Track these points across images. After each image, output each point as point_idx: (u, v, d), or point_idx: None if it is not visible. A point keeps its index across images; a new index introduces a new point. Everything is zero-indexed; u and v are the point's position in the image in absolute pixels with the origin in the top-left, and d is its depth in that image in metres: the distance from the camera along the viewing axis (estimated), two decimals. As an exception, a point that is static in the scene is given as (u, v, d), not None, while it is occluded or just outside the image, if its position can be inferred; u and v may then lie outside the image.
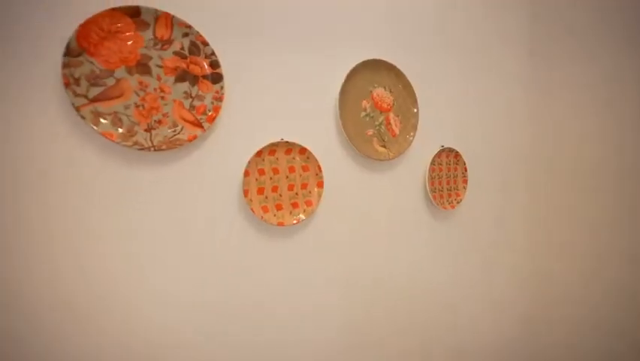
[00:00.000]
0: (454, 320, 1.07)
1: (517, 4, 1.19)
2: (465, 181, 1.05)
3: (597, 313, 1.27)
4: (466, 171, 1.05)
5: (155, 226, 0.64)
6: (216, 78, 0.67)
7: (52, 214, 0.57)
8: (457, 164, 1.04)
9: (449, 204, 1.02)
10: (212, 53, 0.66)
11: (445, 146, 0.99)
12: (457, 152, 1.02)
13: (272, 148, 0.72)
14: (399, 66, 0.88)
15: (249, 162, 0.69)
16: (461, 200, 1.03)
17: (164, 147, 0.62)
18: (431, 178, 0.97)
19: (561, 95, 1.25)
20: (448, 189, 1.02)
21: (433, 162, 0.97)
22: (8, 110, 0.55)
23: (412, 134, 0.90)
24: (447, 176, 1.02)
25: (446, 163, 1.02)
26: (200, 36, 0.65)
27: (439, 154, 0.98)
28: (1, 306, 0.55)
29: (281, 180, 0.74)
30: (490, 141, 1.13)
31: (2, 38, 0.54)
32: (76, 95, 0.56)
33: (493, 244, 1.16)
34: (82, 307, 0.60)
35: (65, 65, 0.55)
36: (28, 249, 0.56)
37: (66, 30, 0.56)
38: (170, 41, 0.64)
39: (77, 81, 0.56)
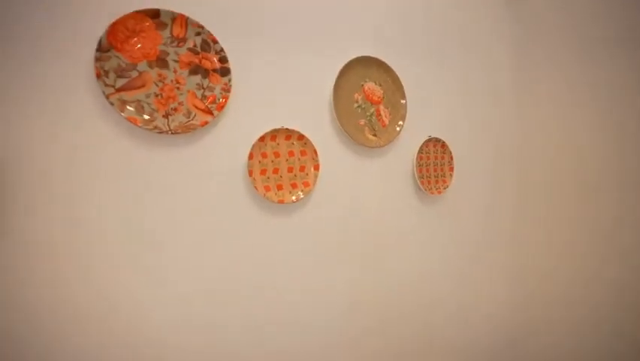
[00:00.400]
0: (444, 313, 1.15)
1: (513, 2, 1.28)
2: (451, 169, 1.14)
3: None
4: (452, 159, 1.13)
5: (168, 203, 0.74)
6: (224, 72, 0.76)
7: (82, 189, 0.67)
8: (443, 153, 1.12)
9: (436, 190, 1.11)
10: (221, 50, 0.76)
11: (432, 136, 1.08)
12: (444, 142, 1.11)
13: (273, 134, 0.82)
14: (388, 62, 0.97)
15: (253, 146, 0.79)
16: (448, 186, 1.12)
17: (179, 131, 0.72)
18: (419, 165, 1.06)
19: (549, 92, 1.34)
20: (435, 176, 1.11)
21: (420, 151, 1.06)
22: (43, 99, 0.64)
23: (400, 123, 1.00)
24: (434, 164, 1.11)
25: (433, 152, 1.11)
26: (211, 35, 0.75)
27: (426, 143, 1.07)
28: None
29: (281, 163, 0.83)
30: (477, 133, 1.22)
31: (40, 38, 0.63)
32: (105, 85, 0.66)
33: (483, 233, 1.24)
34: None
35: (97, 59, 0.65)
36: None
37: (96, 30, 0.65)
38: (184, 39, 0.73)
39: (107, 73, 0.66)
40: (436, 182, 1.11)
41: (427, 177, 1.09)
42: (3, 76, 0.61)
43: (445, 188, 1.12)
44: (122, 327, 0.70)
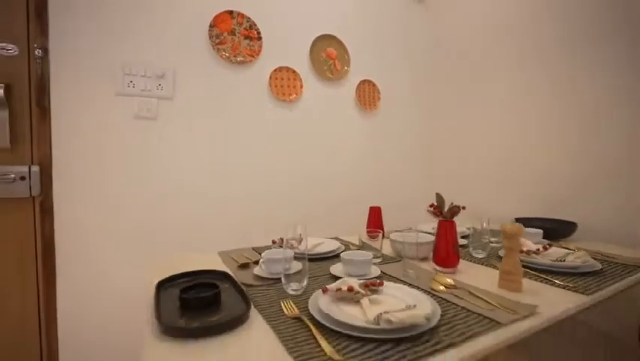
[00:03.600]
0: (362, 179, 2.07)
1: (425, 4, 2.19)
2: (379, 98, 2.05)
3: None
4: (379, 92, 2.05)
5: (235, 96, 1.65)
6: (259, 38, 1.69)
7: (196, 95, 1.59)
8: (373, 88, 2.04)
9: (369, 108, 2.02)
10: (258, 29, 1.68)
11: (366, 78, 2.00)
12: (373, 82, 2.02)
13: (280, 68, 1.74)
14: (340, 38, 1.89)
15: (271, 72, 1.71)
16: (377, 107, 2.03)
17: (240, 62, 1.64)
18: (358, 94, 1.98)
19: (453, 68, 2.23)
20: (369, 101, 2.02)
21: (358, 87, 1.97)
22: (181, 48, 1.56)
23: (346, 68, 1.92)
24: (368, 93, 2.02)
25: (368, 87, 2.02)
26: (254, 22, 1.67)
27: (362, 82, 1.99)
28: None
29: (284, 82, 1.75)
30: (395, 77, 2.13)
31: (176, 27, 1.56)
32: (213, 42, 1.58)
33: (399, 132, 2.15)
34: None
35: (209, 31, 1.57)
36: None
37: (207, 19, 1.58)
38: (242, 23, 1.66)
39: (212, 37, 1.58)
40: (370, 102, 2.02)
41: (363, 100, 2.00)
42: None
43: (375, 108, 2.03)
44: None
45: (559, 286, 0.84)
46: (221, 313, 0.66)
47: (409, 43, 2.20)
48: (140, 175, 1.46)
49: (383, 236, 1.09)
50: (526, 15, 1.70)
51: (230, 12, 1.63)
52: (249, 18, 1.67)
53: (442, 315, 0.64)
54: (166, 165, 1.51)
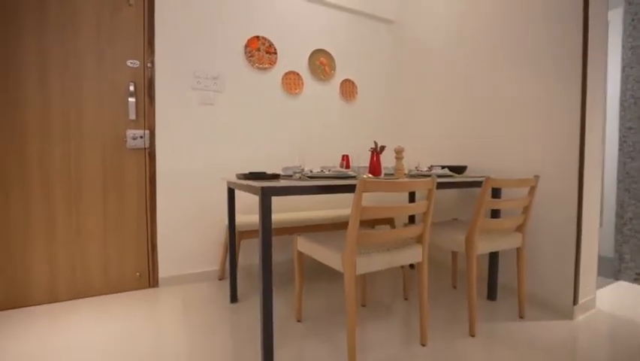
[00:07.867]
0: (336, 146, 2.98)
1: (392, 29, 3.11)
2: (357, 91, 2.96)
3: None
4: (357, 87, 2.96)
5: (259, 91, 2.57)
6: (275, 52, 2.61)
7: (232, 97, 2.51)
8: (353, 85, 2.95)
9: (350, 99, 2.93)
10: (275, 47, 2.60)
11: (347, 78, 2.91)
12: (353, 80, 2.94)
13: (289, 72, 2.66)
14: (330, 51, 2.80)
15: (282, 76, 2.63)
16: (355, 98, 2.95)
17: (262, 69, 2.56)
18: (341, 89, 2.89)
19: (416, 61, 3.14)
20: (349, 92, 2.94)
21: (342, 84, 2.89)
22: (224, 64, 2.49)
23: (333, 71, 2.83)
24: (349, 89, 2.94)
25: (348, 84, 2.93)
26: (271, 42, 2.59)
27: (344, 81, 2.90)
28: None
29: (291, 81, 2.67)
30: (368, 77, 3.04)
31: (228, 45, 2.48)
32: (247, 56, 2.51)
33: (372, 118, 3.07)
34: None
35: (244, 48, 2.50)
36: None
37: (243, 40, 2.50)
38: (265, 43, 2.58)
39: (247, 52, 2.51)
40: (350, 95, 2.94)
41: (344, 93, 2.91)
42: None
43: (353, 98, 2.95)
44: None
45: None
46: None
47: (379, 52, 3.11)
48: (203, 139, 2.39)
49: (348, 167, 2.01)
50: (462, 27, 2.61)
51: (257, 36, 2.55)
52: (269, 39, 2.59)
53: (357, 177, 1.56)
54: (218, 134, 2.44)
